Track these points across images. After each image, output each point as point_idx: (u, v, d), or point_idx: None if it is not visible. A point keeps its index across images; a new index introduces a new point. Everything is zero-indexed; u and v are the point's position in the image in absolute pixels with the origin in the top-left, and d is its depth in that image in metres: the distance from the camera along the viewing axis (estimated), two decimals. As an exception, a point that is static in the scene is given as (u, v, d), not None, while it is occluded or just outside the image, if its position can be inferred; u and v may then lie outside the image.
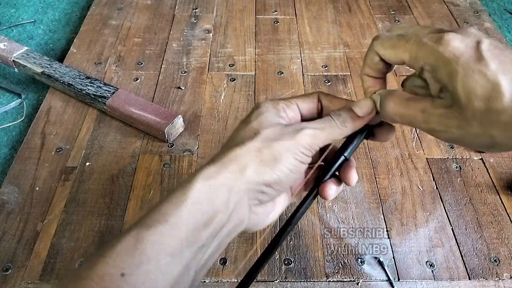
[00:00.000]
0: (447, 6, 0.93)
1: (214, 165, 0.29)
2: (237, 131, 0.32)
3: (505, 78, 0.26)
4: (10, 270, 0.50)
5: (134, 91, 0.72)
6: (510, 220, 0.55)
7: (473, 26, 0.30)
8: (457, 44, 0.27)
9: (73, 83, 0.68)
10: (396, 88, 0.33)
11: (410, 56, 0.30)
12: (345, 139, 0.35)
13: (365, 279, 0.50)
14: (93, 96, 0.66)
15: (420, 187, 0.59)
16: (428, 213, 0.56)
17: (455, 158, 0.63)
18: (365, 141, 0.66)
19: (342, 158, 0.35)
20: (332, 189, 0.35)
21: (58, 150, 0.62)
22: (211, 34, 0.84)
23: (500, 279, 0.50)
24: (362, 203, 0.57)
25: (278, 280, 0.49)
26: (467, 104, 0.27)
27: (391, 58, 0.31)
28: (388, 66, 0.33)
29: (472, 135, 0.28)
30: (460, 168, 0.61)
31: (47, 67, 0.70)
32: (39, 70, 0.70)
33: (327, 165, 0.35)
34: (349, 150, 0.35)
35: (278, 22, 0.88)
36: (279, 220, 0.55)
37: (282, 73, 0.76)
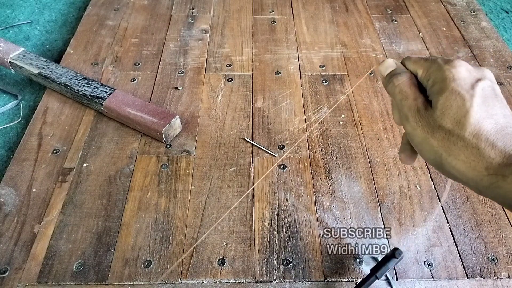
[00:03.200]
0: (444, 5, 0.94)
1: None
2: None
3: (479, 113, 0.29)
4: (7, 272, 0.49)
5: (131, 92, 0.72)
6: (508, 219, 0.56)
7: (491, 71, 0.33)
8: (462, 70, 0.31)
9: (70, 84, 0.67)
10: None
11: (423, 71, 0.33)
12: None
13: (363, 279, 0.50)
14: (90, 97, 0.66)
15: (418, 187, 0.59)
16: (426, 213, 0.56)
17: (453, 157, 0.63)
18: (363, 140, 0.66)
19: (374, 277, 0.45)
20: None
21: (55, 151, 0.62)
22: (208, 34, 0.84)
23: (498, 278, 0.50)
24: (360, 203, 0.57)
25: (276, 281, 0.49)
26: (438, 117, 0.30)
27: (411, 69, 0.35)
28: None
29: (428, 144, 0.31)
30: (458, 167, 0.61)
31: (43, 68, 0.70)
32: (35, 71, 0.70)
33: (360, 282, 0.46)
34: (380, 271, 0.45)
35: (275, 22, 0.88)
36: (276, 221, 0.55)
37: (280, 73, 0.76)
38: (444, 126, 0.30)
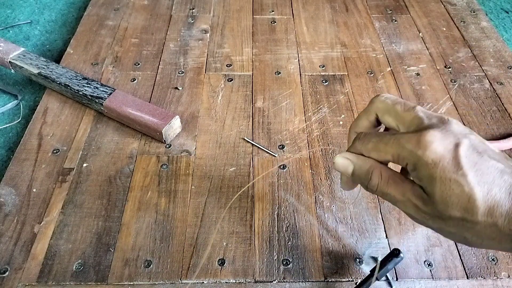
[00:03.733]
0: (444, 6, 0.94)
1: None
2: None
3: (481, 190, 0.26)
4: (7, 272, 0.49)
5: (131, 92, 0.72)
6: (508, 219, 0.56)
7: (456, 121, 0.30)
8: (436, 147, 0.27)
9: (70, 84, 0.67)
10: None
11: (393, 157, 0.30)
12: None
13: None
14: (90, 97, 0.66)
15: (418, 187, 0.59)
16: (426, 213, 0.56)
17: (453, 157, 0.63)
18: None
19: (373, 278, 0.45)
20: None
21: (55, 151, 0.62)
22: (208, 34, 0.84)
23: (498, 278, 0.50)
24: (360, 203, 0.57)
25: (276, 281, 0.49)
26: (443, 210, 0.27)
27: (376, 158, 0.32)
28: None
29: (446, 232, 0.29)
30: (458, 167, 0.61)
31: (43, 68, 0.70)
32: (35, 71, 0.70)
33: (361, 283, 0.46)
34: (380, 272, 0.45)
35: (275, 22, 0.88)
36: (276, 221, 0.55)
37: (280, 73, 0.76)
38: (454, 216, 0.27)
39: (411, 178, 0.31)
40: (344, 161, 0.33)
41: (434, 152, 0.27)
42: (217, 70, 0.76)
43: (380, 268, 0.45)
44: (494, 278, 0.50)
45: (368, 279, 0.45)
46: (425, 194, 0.29)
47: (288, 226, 0.54)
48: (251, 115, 0.68)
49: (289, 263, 0.51)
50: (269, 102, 0.71)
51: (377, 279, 0.45)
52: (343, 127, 0.67)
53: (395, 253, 0.45)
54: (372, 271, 0.46)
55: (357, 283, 0.47)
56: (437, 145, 0.27)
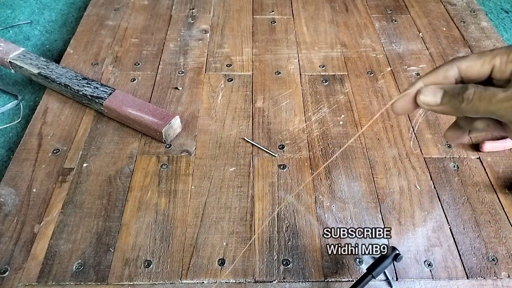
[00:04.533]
0: (444, 5, 0.94)
1: None
2: None
3: None
4: (7, 272, 0.49)
5: (131, 92, 0.72)
6: (508, 219, 0.56)
7: None
8: None
9: (70, 84, 0.67)
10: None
11: (501, 61, 0.28)
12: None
13: (363, 279, 0.50)
14: (90, 97, 0.66)
15: (418, 187, 0.59)
16: (426, 213, 0.56)
17: (453, 157, 0.63)
18: (362, 140, 0.66)
19: (370, 276, 0.45)
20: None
21: (55, 151, 0.62)
22: (208, 34, 0.84)
23: (498, 278, 0.50)
24: (360, 203, 0.57)
25: (276, 281, 0.49)
26: None
27: (476, 68, 0.29)
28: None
29: None
30: (458, 168, 0.61)
31: (43, 68, 0.70)
32: (35, 71, 0.70)
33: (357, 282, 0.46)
34: (377, 270, 0.45)
35: (275, 22, 0.88)
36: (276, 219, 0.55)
37: (280, 73, 0.76)
38: None
39: None
40: (432, 89, 0.29)
41: None
42: (217, 70, 0.76)
43: (377, 266, 0.45)
44: (494, 278, 0.50)
45: (364, 277, 0.45)
46: None
47: (288, 226, 0.54)
48: (251, 115, 0.68)
49: (289, 263, 0.51)
50: (269, 102, 0.70)
51: (373, 277, 0.45)
52: (343, 127, 0.67)
53: (392, 252, 0.45)
54: (369, 269, 0.46)
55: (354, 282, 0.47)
56: None
